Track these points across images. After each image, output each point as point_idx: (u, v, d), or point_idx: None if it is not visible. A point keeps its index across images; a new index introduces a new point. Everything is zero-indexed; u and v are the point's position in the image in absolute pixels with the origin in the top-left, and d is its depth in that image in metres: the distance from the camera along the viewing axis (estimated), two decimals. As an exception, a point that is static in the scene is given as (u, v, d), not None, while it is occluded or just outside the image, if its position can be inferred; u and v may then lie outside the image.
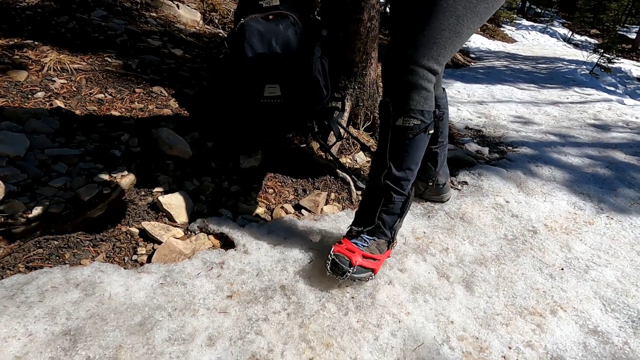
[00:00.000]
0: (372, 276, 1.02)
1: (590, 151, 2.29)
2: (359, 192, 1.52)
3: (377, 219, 1.04)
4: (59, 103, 1.39)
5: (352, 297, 1.00)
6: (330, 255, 0.98)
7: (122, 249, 1.04)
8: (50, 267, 0.93)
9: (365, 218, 1.05)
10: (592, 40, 8.92)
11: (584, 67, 5.35)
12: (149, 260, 1.03)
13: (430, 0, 0.89)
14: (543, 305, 1.08)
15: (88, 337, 0.77)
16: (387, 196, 1.03)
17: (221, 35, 2.66)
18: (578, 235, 1.43)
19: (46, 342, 0.75)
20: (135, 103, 1.56)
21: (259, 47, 1.25)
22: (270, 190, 1.41)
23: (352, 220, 1.10)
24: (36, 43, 1.69)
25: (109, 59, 1.77)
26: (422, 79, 0.94)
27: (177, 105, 1.64)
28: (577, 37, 9.19)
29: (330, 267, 0.97)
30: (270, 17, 1.24)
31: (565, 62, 5.90)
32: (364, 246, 1.02)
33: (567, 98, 3.61)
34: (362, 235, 1.04)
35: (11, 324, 0.76)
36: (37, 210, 1.00)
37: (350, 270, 0.96)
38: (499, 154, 2.17)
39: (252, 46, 1.25)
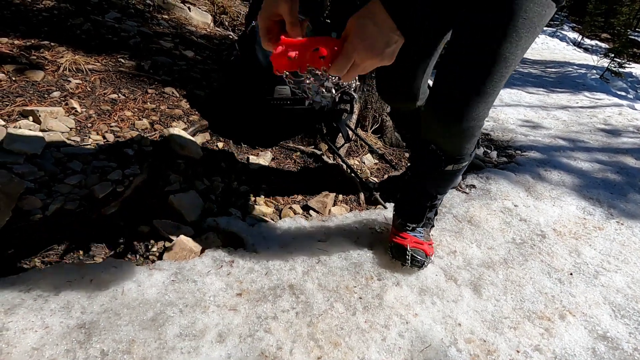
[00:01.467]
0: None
1: (600, 156, 2.28)
2: (366, 194, 1.52)
3: (425, 218, 1.19)
4: (74, 103, 1.42)
5: (360, 298, 1.01)
6: (409, 250, 1.10)
7: (134, 246, 1.06)
8: (65, 262, 0.96)
9: (415, 217, 1.17)
10: (603, 45, 8.83)
11: (594, 71, 5.29)
12: (160, 258, 1.05)
13: (490, 50, 0.80)
14: (552, 309, 1.07)
15: (102, 331, 0.79)
16: (433, 207, 1.19)
17: (231, 37, 2.70)
18: (587, 240, 1.42)
19: (62, 335, 0.76)
20: (148, 103, 1.59)
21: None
22: (279, 191, 1.42)
23: (398, 212, 1.20)
24: (52, 44, 1.72)
25: (122, 60, 1.80)
26: (478, 128, 0.93)
27: (188, 106, 1.67)
28: (588, 41, 9.10)
29: (411, 262, 1.09)
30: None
31: (575, 67, 5.85)
32: (422, 236, 1.17)
33: (577, 102, 3.57)
34: (417, 229, 1.18)
35: (28, 316, 0.78)
36: (53, 207, 1.02)
37: (427, 260, 1.12)
38: (508, 158, 2.16)
39: (263, 48, 1.26)
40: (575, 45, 8.67)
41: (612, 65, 5.16)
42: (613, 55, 5.25)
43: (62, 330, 0.77)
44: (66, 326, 0.78)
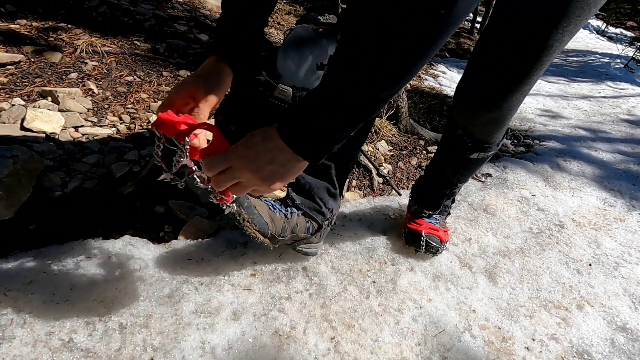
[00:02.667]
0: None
1: (623, 147, 2.20)
2: (380, 180, 1.51)
3: (443, 205, 1.17)
4: (91, 84, 1.43)
5: (374, 282, 1.00)
6: (423, 236, 1.08)
7: (150, 225, 1.07)
8: (84, 239, 0.98)
9: (432, 204, 1.16)
10: (628, 33, 8.46)
11: (618, 60, 5.09)
12: (175, 237, 1.06)
13: (533, 37, 0.73)
14: (569, 299, 1.05)
15: (120, 306, 0.81)
16: (451, 195, 1.17)
17: (245, 21, 2.67)
18: (608, 231, 1.39)
19: (82, 308, 0.78)
20: (163, 86, 1.59)
21: (292, 51, 1.25)
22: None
23: (415, 198, 1.19)
24: (69, 26, 1.73)
25: (138, 43, 1.80)
26: (509, 117, 0.90)
27: (202, 89, 1.66)
28: (612, 29, 8.73)
29: (425, 248, 1.08)
30: (320, 30, 1.24)
31: (598, 55, 5.63)
32: (437, 223, 1.15)
33: (599, 92, 3.45)
34: (433, 215, 1.17)
35: (50, 289, 0.80)
36: (72, 185, 1.03)
37: (441, 247, 1.10)
38: (525, 148, 2.11)
39: (286, 48, 1.24)
40: (598, 34, 8.33)
41: (638, 55, 4.95)
42: (639, 43, 5.03)
43: (82, 303, 0.79)
44: (86, 299, 0.80)
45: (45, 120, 1.16)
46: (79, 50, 1.59)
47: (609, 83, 3.84)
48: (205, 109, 0.68)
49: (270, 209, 0.96)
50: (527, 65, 0.75)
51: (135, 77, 1.59)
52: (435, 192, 1.15)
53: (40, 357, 0.69)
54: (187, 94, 0.67)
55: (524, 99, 0.85)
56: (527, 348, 0.90)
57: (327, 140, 0.53)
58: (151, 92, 1.55)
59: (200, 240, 1.04)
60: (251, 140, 0.55)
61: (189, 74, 1.72)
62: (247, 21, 0.74)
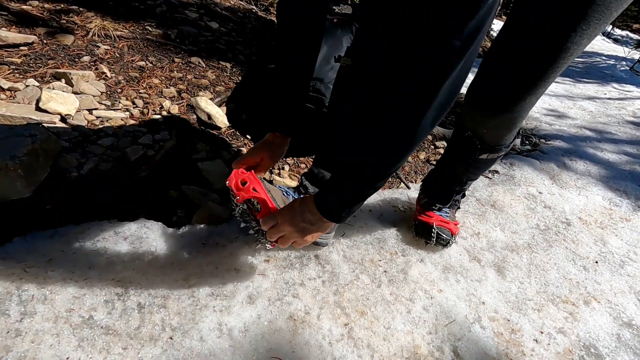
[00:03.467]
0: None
1: (629, 148, 2.21)
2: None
3: (453, 200, 1.18)
4: (104, 68, 1.43)
5: (385, 271, 1.02)
6: (434, 228, 1.09)
7: (164, 209, 1.08)
8: (100, 220, 0.98)
9: (442, 198, 1.17)
10: (634, 36, 8.44)
11: (624, 63, 5.09)
12: (188, 221, 1.07)
13: (550, 40, 0.71)
14: (576, 295, 1.07)
15: (137, 286, 0.82)
16: (461, 191, 1.19)
17: (254, 11, 2.65)
18: (613, 230, 1.40)
19: (101, 287, 0.79)
20: (175, 72, 1.58)
21: None
22: (303, 165, 1.42)
23: (425, 192, 1.20)
24: (81, 9, 1.72)
25: (149, 28, 1.79)
26: (521, 119, 0.88)
27: (214, 76, 1.66)
28: (618, 31, 8.70)
29: (436, 239, 1.09)
30: (335, 20, 1.24)
31: (604, 57, 5.62)
32: (447, 216, 1.17)
33: (605, 94, 3.45)
34: (443, 209, 1.18)
35: (68, 266, 0.81)
36: (88, 166, 1.04)
37: (452, 239, 1.11)
38: (532, 146, 2.11)
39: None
40: (604, 35, 8.31)
41: (644, 58, 4.94)
42: (646, 47, 5.02)
43: (101, 282, 0.80)
44: (104, 279, 0.81)
45: (60, 101, 1.16)
46: (91, 34, 1.58)
47: (615, 85, 3.84)
48: (267, 167, 0.94)
49: (284, 194, 0.98)
50: (543, 66, 0.74)
51: (147, 62, 1.58)
52: (445, 187, 1.15)
53: (61, 333, 0.70)
54: (258, 157, 0.90)
55: (536, 102, 0.83)
56: (536, 340, 0.91)
57: (345, 209, 0.73)
58: (163, 77, 1.54)
59: (214, 225, 1.04)
60: (292, 204, 0.78)
61: (200, 61, 1.72)
62: (301, 106, 0.94)
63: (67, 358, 0.67)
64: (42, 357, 0.66)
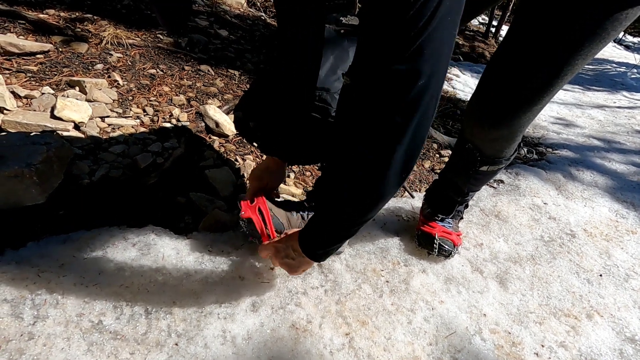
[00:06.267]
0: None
1: (637, 159, 2.19)
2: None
3: (455, 210, 1.18)
4: (116, 75, 1.47)
5: (387, 281, 1.03)
6: (437, 239, 1.11)
7: (172, 216, 1.10)
8: (109, 226, 1.01)
9: (445, 208, 1.17)
10: (646, 43, 8.32)
11: (635, 70, 5.03)
12: (194, 227, 1.09)
13: (549, 59, 0.73)
14: (579, 308, 1.07)
15: (145, 292, 0.84)
16: (464, 202, 1.19)
17: (263, 18, 2.69)
18: (619, 243, 1.39)
19: (110, 292, 0.82)
20: (184, 80, 1.62)
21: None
22: (308, 173, 1.44)
23: (428, 202, 1.21)
24: (95, 17, 1.77)
25: (161, 36, 1.84)
26: (520, 133, 0.89)
27: (223, 84, 1.69)
28: (630, 38, 8.60)
29: (438, 250, 1.10)
30: (342, 31, 1.26)
31: (614, 64, 5.56)
32: (450, 227, 1.17)
33: (615, 102, 3.42)
34: (446, 219, 1.18)
35: (79, 272, 0.84)
36: (99, 173, 1.07)
37: (454, 250, 1.12)
38: (538, 155, 2.11)
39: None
40: (615, 42, 8.21)
41: (656, 66, 4.87)
42: (658, 54, 4.95)
43: (110, 287, 0.83)
44: (113, 284, 0.84)
45: (74, 109, 1.20)
46: (104, 42, 1.63)
47: (625, 93, 3.80)
48: (272, 190, 1.06)
49: (288, 215, 1.00)
50: (540, 86, 0.76)
51: (158, 70, 1.62)
52: (447, 198, 1.16)
53: (72, 337, 0.72)
54: (262, 184, 1.01)
55: (535, 118, 0.85)
56: (536, 354, 0.92)
57: (321, 248, 0.77)
58: (173, 85, 1.58)
59: (220, 233, 1.07)
60: (282, 238, 0.85)
61: (209, 69, 1.75)
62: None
63: (77, 361, 0.69)
64: (53, 360, 0.68)
